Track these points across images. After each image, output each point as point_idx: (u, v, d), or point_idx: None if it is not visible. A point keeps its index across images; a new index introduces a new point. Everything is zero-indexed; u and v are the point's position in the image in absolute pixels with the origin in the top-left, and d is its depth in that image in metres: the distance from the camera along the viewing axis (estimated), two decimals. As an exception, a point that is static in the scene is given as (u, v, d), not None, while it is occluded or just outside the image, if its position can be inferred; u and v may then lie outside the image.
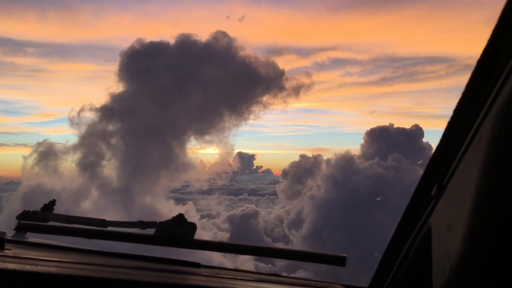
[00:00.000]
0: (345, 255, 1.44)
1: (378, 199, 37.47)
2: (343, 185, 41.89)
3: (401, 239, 1.18)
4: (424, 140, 48.38)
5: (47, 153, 39.48)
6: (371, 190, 38.98)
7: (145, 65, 43.35)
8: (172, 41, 45.65)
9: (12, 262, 1.14)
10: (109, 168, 39.05)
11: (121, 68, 43.93)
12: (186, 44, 45.66)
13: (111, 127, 40.57)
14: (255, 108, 44.78)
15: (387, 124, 52.38)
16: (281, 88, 46.29)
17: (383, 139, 47.81)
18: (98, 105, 41.68)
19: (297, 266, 28.89)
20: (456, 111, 0.86)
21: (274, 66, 46.95)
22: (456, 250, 0.73)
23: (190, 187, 62.36)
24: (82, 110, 41.48)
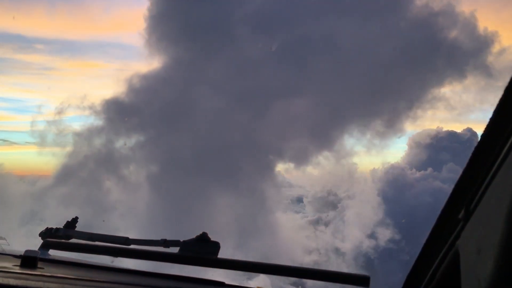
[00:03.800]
0: (369, 275, 1.45)
1: (403, 221, 31.00)
2: (396, 202, 33.50)
3: (427, 261, 1.20)
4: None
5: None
6: (430, 207, 31.11)
7: (201, 16, 19.37)
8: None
9: (52, 282, 1.22)
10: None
11: (151, 25, 19.97)
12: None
13: (122, 145, 19.76)
14: (421, 112, 21.50)
15: (434, 127, 44.09)
16: (487, 70, 21.13)
17: (432, 146, 41.17)
18: (99, 100, 21.06)
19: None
20: (485, 136, 0.88)
21: (472, 27, 22.00)
22: (487, 274, 0.75)
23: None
24: (61, 111, 21.67)
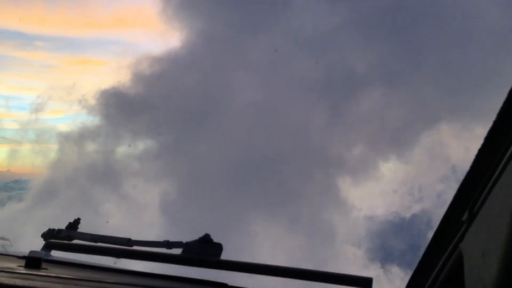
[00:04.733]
0: (371, 277, 1.46)
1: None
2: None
3: (430, 264, 1.21)
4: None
5: None
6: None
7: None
8: None
9: (57, 283, 1.25)
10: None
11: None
12: None
13: (124, 152, 14.15)
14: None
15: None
16: None
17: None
18: (97, 97, 14.40)
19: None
20: (488, 137, 0.89)
21: None
22: (492, 277, 0.74)
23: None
24: (40, 107, 15.55)
